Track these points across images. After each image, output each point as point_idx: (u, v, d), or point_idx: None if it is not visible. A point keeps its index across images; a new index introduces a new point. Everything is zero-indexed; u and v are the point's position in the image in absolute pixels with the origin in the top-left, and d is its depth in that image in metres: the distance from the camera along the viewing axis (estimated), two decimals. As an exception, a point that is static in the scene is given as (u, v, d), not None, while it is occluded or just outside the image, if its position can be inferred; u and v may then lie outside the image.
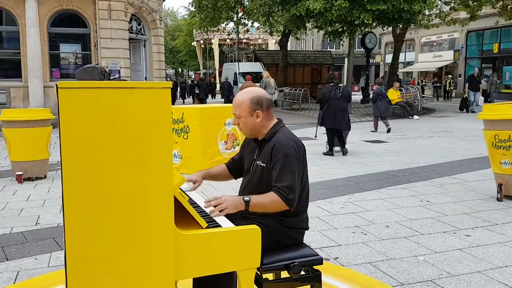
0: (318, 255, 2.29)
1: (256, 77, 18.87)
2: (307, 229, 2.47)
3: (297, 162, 2.24)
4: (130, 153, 1.66)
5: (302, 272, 2.24)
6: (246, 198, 2.15)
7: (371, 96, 13.14)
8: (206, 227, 1.83)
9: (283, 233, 2.33)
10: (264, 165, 2.30)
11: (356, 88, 32.79)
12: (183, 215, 1.89)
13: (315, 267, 2.28)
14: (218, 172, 2.69)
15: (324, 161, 7.79)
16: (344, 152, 8.43)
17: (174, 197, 1.74)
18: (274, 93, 18.09)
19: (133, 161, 1.66)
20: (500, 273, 3.17)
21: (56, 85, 1.60)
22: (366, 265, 3.38)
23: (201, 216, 1.88)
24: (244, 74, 22.50)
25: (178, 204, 1.82)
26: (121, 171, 1.66)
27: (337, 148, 8.69)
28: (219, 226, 1.89)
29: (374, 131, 12.13)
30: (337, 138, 8.56)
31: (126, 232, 1.68)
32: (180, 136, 6.95)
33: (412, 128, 13.00)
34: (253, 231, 1.87)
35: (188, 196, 2.30)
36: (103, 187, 1.64)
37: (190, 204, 1.95)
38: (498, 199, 5.03)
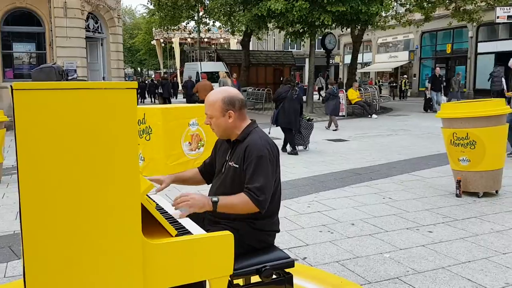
0: (289, 257, 2.27)
1: (219, 77, 18.71)
2: (278, 231, 2.43)
3: (270, 164, 2.21)
4: (93, 158, 1.56)
5: (274, 276, 2.20)
6: (214, 199, 2.09)
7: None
8: (176, 235, 1.75)
9: (254, 237, 2.28)
10: (237, 166, 2.24)
11: (316, 88, 33.25)
12: (151, 223, 1.80)
13: (287, 269, 2.25)
14: (189, 176, 2.59)
15: (289, 160, 7.82)
16: (289, 152, 8.60)
17: (142, 204, 1.65)
18: None
19: (96, 167, 1.56)
20: (464, 269, 3.26)
21: (11, 86, 1.48)
22: (334, 264, 3.40)
23: (171, 224, 1.80)
24: (206, 74, 22.31)
25: (145, 212, 1.73)
26: (83, 177, 1.55)
27: (302, 147, 8.80)
28: (190, 233, 1.82)
29: (335, 129, 12.37)
30: (285, 137, 8.80)
31: (90, 242, 1.58)
32: (142, 137, 6.76)
33: (371, 127, 13.31)
34: (226, 237, 1.81)
35: (155, 202, 2.20)
36: (63, 193, 1.53)
37: (158, 210, 1.87)
38: (457, 195, 5.20)
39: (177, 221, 1.97)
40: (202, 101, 15.41)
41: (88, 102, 1.55)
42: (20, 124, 1.48)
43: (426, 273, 3.18)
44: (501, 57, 23.01)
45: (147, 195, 2.13)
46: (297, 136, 8.89)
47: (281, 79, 26.70)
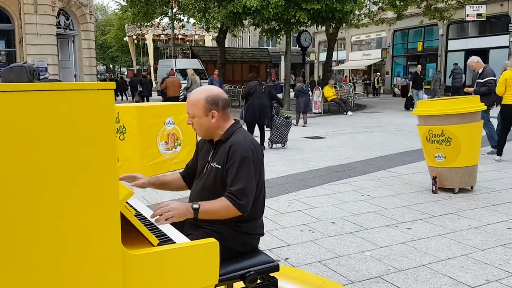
0: (274, 261, 2.22)
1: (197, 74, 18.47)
2: (263, 234, 2.38)
3: (254, 165, 2.15)
4: (68, 165, 1.45)
5: (258, 281, 2.15)
6: (195, 206, 2.01)
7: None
8: (158, 244, 1.66)
9: (238, 240, 2.22)
10: (220, 166, 2.17)
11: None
12: (130, 231, 1.71)
13: (272, 273, 2.20)
14: (170, 180, 2.49)
15: (268, 158, 7.75)
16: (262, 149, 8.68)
17: (121, 212, 1.56)
18: None
19: (71, 174, 1.45)
20: (444, 266, 3.29)
21: (-23, 88, 1.37)
22: (317, 264, 3.37)
23: (151, 232, 1.71)
24: (181, 71, 22.03)
25: (124, 219, 1.64)
26: (56, 184, 1.44)
27: (280, 145, 8.79)
28: (172, 241, 1.73)
29: (296, 125, 12.52)
30: (259, 134, 8.87)
31: (65, 254, 1.48)
32: (116, 137, 6.59)
33: (347, 124, 13.43)
34: (210, 245, 1.73)
35: (133, 207, 2.11)
36: (33, 201, 1.41)
37: (138, 218, 1.78)
38: (433, 192, 5.27)
39: (158, 228, 1.88)
40: (171, 98, 15.34)
41: (62, 105, 1.45)
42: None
43: (408, 271, 3.20)
44: (470, 54, 23.60)
45: (127, 202, 2.04)
46: (275, 133, 8.89)
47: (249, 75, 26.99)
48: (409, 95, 17.70)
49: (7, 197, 1.39)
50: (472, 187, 5.39)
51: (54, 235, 1.45)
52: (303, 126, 12.82)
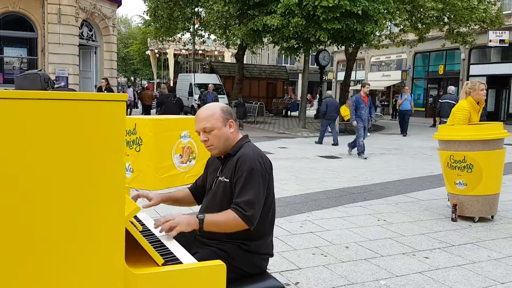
0: (283, 286, 2.11)
1: (215, 89, 18.62)
2: (272, 255, 2.28)
3: (262, 178, 2.08)
4: (73, 177, 1.40)
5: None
6: (200, 216, 1.97)
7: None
8: (163, 264, 1.58)
9: (246, 260, 2.13)
10: (228, 180, 2.11)
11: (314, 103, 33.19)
12: (135, 248, 1.64)
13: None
14: (181, 196, 2.47)
15: (281, 176, 7.68)
16: None
17: (126, 229, 1.49)
18: None
19: (75, 186, 1.40)
20: (463, 299, 3.12)
21: (-15, 94, 1.33)
22: (328, 290, 3.24)
23: (157, 250, 1.64)
24: (200, 85, 22.19)
25: (129, 235, 1.57)
26: (59, 196, 1.38)
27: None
28: (178, 260, 1.65)
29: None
30: None
31: (65, 269, 1.41)
32: (132, 148, 6.59)
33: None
34: (217, 268, 1.64)
35: (141, 224, 2.04)
36: (35, 212, 1.36)
37: (145, 233, 1.71)
38: (452, 219, 5.08)
39: (165, 246, 1.81)
40: (145, 106, 17.87)
41: (71, 115, 1.40)
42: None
43: (424, 303, 3.04)
44: (492, 80, 23.30)
45: (135, 216, 1.97)
46: None
47: (273, 92, 27.22)
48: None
49: (6, 204, 1.34)
50: (492, 217, 5.19)
51: (53, 247, 1.38)
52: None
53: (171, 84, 34.82)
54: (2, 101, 1.34)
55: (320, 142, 13.20)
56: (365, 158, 10.16)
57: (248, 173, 2.04)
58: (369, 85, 10.83)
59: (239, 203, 2.01)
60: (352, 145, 10.79)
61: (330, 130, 13.34)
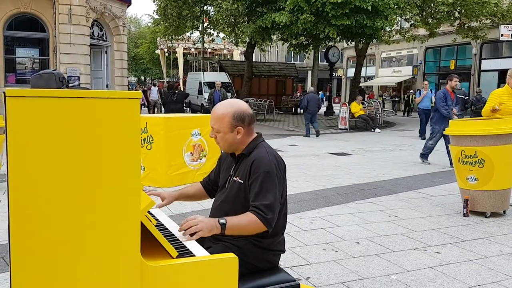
0: (295, 280, 2.14)
1: (223, 87, 18.66)
2: (284, 251, 2.31)
3: (278, 180, 2.10)
4: (89, 172, 1.44)
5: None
6: (222, 221, 1.97)
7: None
8: (177, 256, 1.62)
9: (259, 256, 2.16)
10: (242, 182, 2.13)
11: (336, 100, 32.96)
12: (150, 241, 1.68)
13: (292, 293, 2.12)
14: (193, 192, 2.49)
15: (291, 173, 7.69)
16: None
17: (141, 222, 1.53)
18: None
19: (92, 181, 1.45)
20: (475, 293, 3.12)
21: (4, 92, 1.38)
22: (339, 285, 3.26)
23: (171, 243, 1.68)
24: (209, 83, 22.26)
25: (144, 229, 1.61)
26: (77, 191, 1.43)
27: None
28: (191, 254, 1.69)
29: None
30: None
31: (83, 260, 1.46)
32: (143, 146, 6.66)
33: (375, 141, 13.19)
34: (230, 260, 1.68)
35: (156, 219, 2.08)
36: (54, 207, 1.41)
37: (159, 228, 1.75)
38: (464, 215, 5.06)
39: (179, 240, 1.85)
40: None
41: (86, 112, 1.45)
42: (13, 133, 1.38)
43: (436, 298, 3.05)
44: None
45: (149, 211, 2.01)
46: None
47: (283, 90, 27.11)
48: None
49: (29, 201, 1.39)
50: (504, 212, 5.16)
51: (73, 239, 1.43)
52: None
53: (181, 83, 34.99)
54: (20, 100, 1.39)
55: (307, 135, 14.17)
56: (428, 163, 8.89)
57: (264, 176, 2.06)
58: (457, 77, 8.79)
59: (259, 206, 2.02)
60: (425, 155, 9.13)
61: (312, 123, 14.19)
